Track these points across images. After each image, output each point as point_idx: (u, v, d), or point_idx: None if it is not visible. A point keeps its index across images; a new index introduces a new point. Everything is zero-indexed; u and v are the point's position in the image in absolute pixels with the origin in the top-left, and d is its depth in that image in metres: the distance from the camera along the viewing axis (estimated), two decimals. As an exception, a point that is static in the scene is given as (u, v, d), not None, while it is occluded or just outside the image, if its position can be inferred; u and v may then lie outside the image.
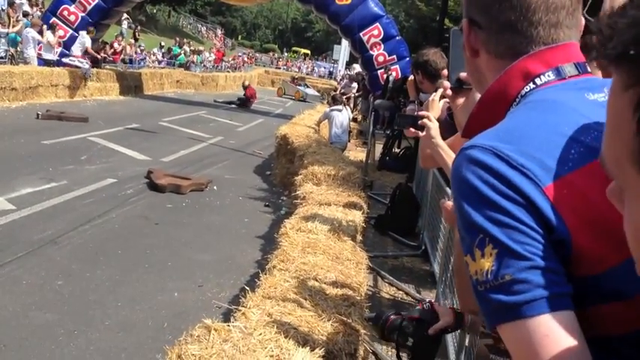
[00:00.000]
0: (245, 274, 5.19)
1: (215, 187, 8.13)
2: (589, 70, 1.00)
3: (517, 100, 0.99)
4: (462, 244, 0.90)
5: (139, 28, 27.47)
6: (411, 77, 4.67)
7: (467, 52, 1.11)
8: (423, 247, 5.93)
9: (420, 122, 2.37)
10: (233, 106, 20.89)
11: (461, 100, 2.10)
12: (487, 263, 0.83)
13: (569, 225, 0.82)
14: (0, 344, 3.48)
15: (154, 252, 5.42)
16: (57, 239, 5.34)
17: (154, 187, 7.55)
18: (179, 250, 5.60)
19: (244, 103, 21.45)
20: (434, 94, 3.25)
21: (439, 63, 4.08)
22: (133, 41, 24.02)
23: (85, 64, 15.79)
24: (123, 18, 28.98)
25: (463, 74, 1.76)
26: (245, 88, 22.20)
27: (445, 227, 4.43)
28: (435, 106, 3.12)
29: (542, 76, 0.97)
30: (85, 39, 16.19)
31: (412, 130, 2.42)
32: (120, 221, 6.18)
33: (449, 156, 2.39)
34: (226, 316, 3.88)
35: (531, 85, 0.98)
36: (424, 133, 2.38)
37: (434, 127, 2.38)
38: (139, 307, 4.25)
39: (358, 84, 19.52)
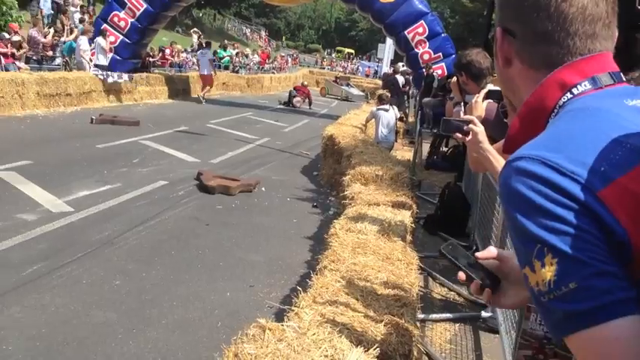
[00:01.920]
0: (295, 274, 5.24)
1: (263, 188, 8.23)
2: (624, 79, 1.00)
3: (555, 110, 0.99)
4: (518, 258, 0.90)
5: (201, 37, 28.03)
6: (454, 79, 4.61)
7: (499, 61, 1.11)
8: (475, 247, 5.86)
9: (465, 128, 2.34)
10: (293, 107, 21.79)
11: None
12: (548, 273, 0.83)
13: (627, 227, 0.82)
14: (63, 342, 3.62)
15: (205, 252, 5.53)
16: (113, 240, 5.51)
17: (203, 188, 7.69)
18: (230, 250, 5.69)
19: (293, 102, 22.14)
20: (477, 95, 3.21)
21: (483, 63, 4.03)
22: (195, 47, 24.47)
23: (125, 77, 16.04)
24: (192, 31, 29.66)
25: None
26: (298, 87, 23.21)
27: (497, 226, 4.38)
28: (479, 107, 3.08)
29: (578, 86, 0.98)
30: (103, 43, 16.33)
31: (458, 135, 2.39)
32: (172, 222, 6.33)
33: (497, 160, 2.35)
34: (278, 316, 3.94)
35: (568, 95, 0.98)
36: (470, 137, 2.36)
37: (480, 132, 2.34)
38: (193, 307, 4.35)
39: (386, 84, 19.37)
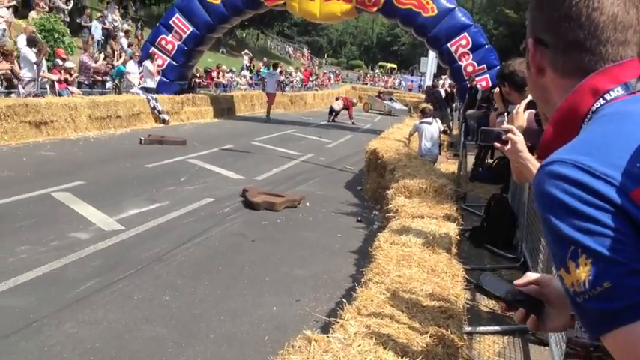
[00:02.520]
0: (341, 288, 5.26)
1: (308, 204, 8.29)
2: None
3: (588, 116, 1.00)
4: (554, 259, 0.91)
5: (253, 58, 28.76)
6: (497, 89, 4.57)
7: (532, 71, 1.13)
8: (522, 259, 5.76)
9: (504, 137, 2.32)
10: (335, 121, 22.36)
11: None
12: (583, 274, 0.84)
13: None
14: (115, 356, 3.72)
15: (252, 268, 5.60)
16: (163, 257, 5.65)
17: (249, 205, 7.80)
18: (276, 265, 5.75)
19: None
20: (518, 105, 3.19)
21: (526, 72, 3.99)
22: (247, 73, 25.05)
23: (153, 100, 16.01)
24: (243, 53, 30.31)
25: None
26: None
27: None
28: (520, 117, 3.06)
29: (611, 92, 0.99)
30: (150, 67, 16.43)
31: (497, 145, 2.38)
32: (219, 239, 6.44)
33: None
34: (324, 329, 3.96)
35: (601, 101, 0.99)
36: (509, 147, 2.34)
37: (519, 141, 2.32)
38: (240, 321, 4.41)
39: (428, 97, 19.25)
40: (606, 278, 0.82)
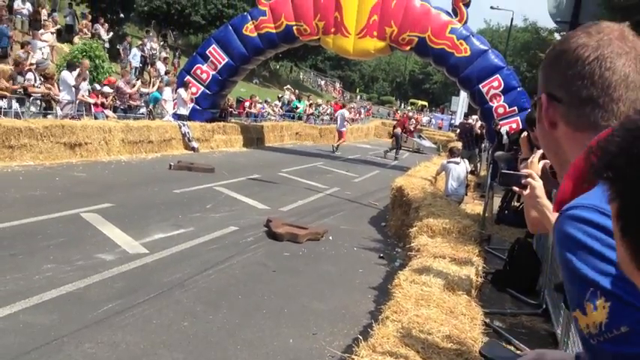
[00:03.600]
0: (358, 324, 5.23)
1: (331, 237, 8.30)
2: None
3: None
4: (570, 300, 0.93)
5: (296, 92, 29.53)
6: (525, 134, 4.58)
7: (545, 125, 1.18)
8: (544, 306, 5.67)
9: (523, 181, 2.31)
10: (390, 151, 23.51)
11: None
12: (600, 316, 0.85)
13: None
14: (131, 378, 3.76)
15: (271, 298, 5.62)
16: (184, 282, 5.71)
17: (272, 235, 7.85)
18: (295, 297, 5.76)
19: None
20: (534, 155, 3.20)
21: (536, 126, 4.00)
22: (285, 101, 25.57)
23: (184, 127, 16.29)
24: (285, 88, 30.91)
25: None
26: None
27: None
28: (535, 167, 3.07)
29: None
30: (184, 95, 16.74)
31: (516, 189, 2.39)
32: (240, 267, 6.48)
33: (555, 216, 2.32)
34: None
35: None
36: (528, 192, 2.35)
37: (538, 187, 2.32)
38: (256, 352, 4.41)
39: (462, 133, 19.23)
40: (624, 322, 0.83)
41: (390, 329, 3.29)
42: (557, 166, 1.23)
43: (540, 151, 3.19)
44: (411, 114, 27.24)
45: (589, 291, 0.87)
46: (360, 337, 3.25)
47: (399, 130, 24.46)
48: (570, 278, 0.92)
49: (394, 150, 23.71)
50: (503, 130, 14.00)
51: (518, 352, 1.43)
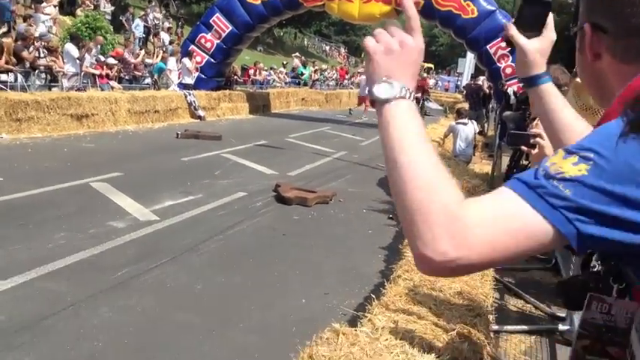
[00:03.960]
0: (369, 283, 5.27)
1: (340, 200, 8.32)
2: None
3: None
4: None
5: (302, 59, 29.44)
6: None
7: (587, 56, 1.12)
8: (554, 261, 5.70)
9: (532, 141, 2.29)
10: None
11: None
12: (573, 170, 0.88)
13: None
14: (148, 341, 3.83)
15: (282, 261, 5.67)
16: (195, 247, 5.76)
17: (281, 199, 7.88)
18: (306, 259, 5.80)
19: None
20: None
21: (560, 79, 3.95)
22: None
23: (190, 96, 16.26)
24: (294, 55, 30.59)
25: None
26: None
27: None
28: (541, 127, 3.05)
29: None
30: (189, 64, 16.74)
31: (524, 148, 2.35)
32: (250, 232, 6.53)
33: None
34: (352, 323, 3.98)
35: None
36: (536, 151, 2.32)
37: (547, 146, 2.29)
38: (269, 312, 4.47)
39: (468, 94, 19.07)
40: (577, 193, 0.86)
41: (402, 287, 3.31)
42: (599, 99, 1.17)
43: None
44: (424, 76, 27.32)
45: (586, 152, 0.88)
46: (373, 296, 3.27)
47: (419, 94, 24.43)
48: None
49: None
50: (510, 90, 13.86)
51: None
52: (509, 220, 0.90)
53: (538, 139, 2.30)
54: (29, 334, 3.70)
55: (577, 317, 4.05)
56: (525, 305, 4.88)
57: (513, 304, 4.88)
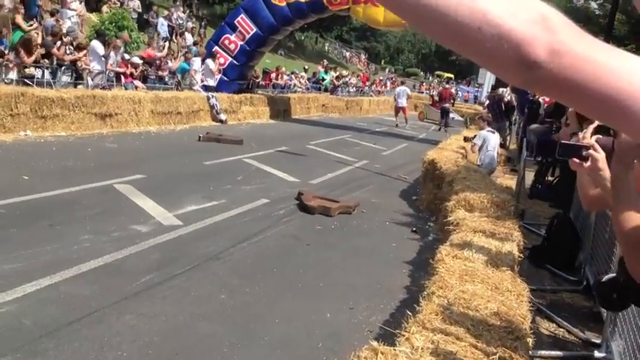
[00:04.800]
0: (395, 299, 5.18)
1: (363, 211, 8.23)
2: None
3: None
4: None
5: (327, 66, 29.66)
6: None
7: None
8: (585, 283, 5.56)
9: (584, 153, 2.17)
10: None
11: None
12: None
13: None
14: (172, 351, 3.76)
15: (306, 272, 5.59)
16: (219, 255, 5.70)
17: (304, 208, 7.80)
18: (330, 271, 5.72)
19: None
20: (585, 129, 3.06)
21: None
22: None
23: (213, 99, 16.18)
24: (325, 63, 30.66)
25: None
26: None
27: (615, 264, 4.12)
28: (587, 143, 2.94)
29: None
30: (212, 66, 16.79)
31: (576, 160, 2.24)
32: (274, 240, 6.46)
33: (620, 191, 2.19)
34: (379, 340, 3.90)
35: None
36: (589, 164, 2.22)
37: (601, 158, 2.16)
38: (294, 325, 4.39)
39: (490, 105, 18.87)
40: None
41: (437, 305, 3.22)
42: None
43: (592, 126, 3.04)
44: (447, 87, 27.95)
45: None
46: (401, 312, 3.18)
47: (447, 104, 25.48)
48: None
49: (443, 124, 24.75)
50: (542, 100, 13.69)
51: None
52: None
53: (591, 152, 2.20)
54: (54, 341, 3.65)
55: (614, 344, 3.93)
56: (558, 329, 4.74)
57: (545, 327, 4.75)
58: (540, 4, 0.73)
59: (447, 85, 31.10)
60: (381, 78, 45.73)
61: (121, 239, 5.69)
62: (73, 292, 4.41)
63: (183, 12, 24.24)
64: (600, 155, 2.21)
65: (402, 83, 28.89)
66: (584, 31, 0.75)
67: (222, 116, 16.07)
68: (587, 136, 2.97)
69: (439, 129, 24.44)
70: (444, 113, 25.05)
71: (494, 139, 9.63)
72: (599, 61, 0.73)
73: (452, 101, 27.58)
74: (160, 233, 6.06)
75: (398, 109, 24.55)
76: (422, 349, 2.57)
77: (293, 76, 25.38)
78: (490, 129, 9.78)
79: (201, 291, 4.78)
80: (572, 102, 0.80)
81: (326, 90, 27.30)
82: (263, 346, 3.99)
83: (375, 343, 2.49)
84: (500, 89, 21.51)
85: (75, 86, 12.90)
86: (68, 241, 5.39)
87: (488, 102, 20.86)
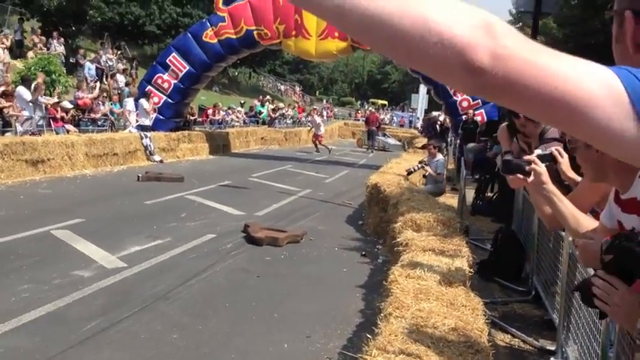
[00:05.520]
0: (351, 323, 5.14)
1: (311, 239, 8.19)
2: None
3: None
4: None
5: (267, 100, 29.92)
6: (502, 126, 4.50)
7: (627, 46, 1.05)
8: (534, 292, 5.68)
9: (527, 168, 2.24)
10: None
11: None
12: None
13: None
14: (126, 397, 3.59)
15: (259, 304, 5.48)
16: (167, 294, 5.52)
17: (251, 240, 7.70)
18: (283, 301, 5.63)
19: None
20: (535, 154, 3.17)
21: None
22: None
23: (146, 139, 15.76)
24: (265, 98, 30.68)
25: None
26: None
27: (562, 272, 4.23)
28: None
29: None
30: (146, 105, 16.38)
31: (520, 176, 2.29)
32: (223, 275, 6.32)
33: (563, 203, 2.24)
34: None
35: None
36: (532, 178, 2.26)
37: (543, 172, 2.24)
38: (251, 359, 4.28)
39: (426, 128, 19.49)
40: None
41: (396, 326, 3.20)
42: None
43: (538, 151, 3.11)
44: (372, 111, 29.31)
45: None
46: (368, 335, 3.14)
47: (373, 127, 27.70)
48: None
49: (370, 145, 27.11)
50: (478, 118, 14.17)
51: None
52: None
53: (534, 166, 2.26)
54: (-4, 398, 3.42)
55: (569, 349, 4.01)
56: (513, 340, 4.81)
57: (501, 338, 4.80)
58: (483, 12, 0.73)
59: (373, 110, 33.36)
60: (316, 107, 46.16)
61: (62, 286, 5.43)
62: (15, 345, 4.15)
63: (113, 54, 23.87)
64: (542, 169, 2.26)
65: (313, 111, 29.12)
66: (528, 38, 0.76)
67: (157, 157, 15.71)
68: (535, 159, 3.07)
69: (367, 149, 26.80)
70: (370, 135, 27.42)
71: (442, 160, 10.04)
72: (544, 65, 0.73)
73: (378, 124, 29.25)
74: (104, 277, 5.83)
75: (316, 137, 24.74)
76: (386, 370, 2.53)
77: (230, 111, 25.33)
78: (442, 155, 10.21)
79: (151, 333, 4.60)
80: (520, 107, 0.81)
81: (264, 123, 27.35)
82: (221, 384, 3.86)
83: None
84: (434, 112, 22.17)
85: (2, 134, 12.41)
86: (5, 293, 5.10)
87: (423, 125, 21.44)
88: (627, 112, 0.77)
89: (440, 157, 10.54)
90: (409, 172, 12.55)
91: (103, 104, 16.64)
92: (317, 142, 24.32)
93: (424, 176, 11.13)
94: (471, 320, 3.44)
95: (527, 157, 2.39)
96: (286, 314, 5.27)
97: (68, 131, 14.01)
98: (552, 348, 4.43)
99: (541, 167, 2.27)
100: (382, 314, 3.55)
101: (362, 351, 2.95)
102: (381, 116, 39.35)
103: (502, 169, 2.42)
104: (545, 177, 2.26)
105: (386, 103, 65.22)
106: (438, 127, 18.42)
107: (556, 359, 4.21)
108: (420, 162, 11.18)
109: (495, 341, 4.71)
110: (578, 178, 2.27)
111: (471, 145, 11.20)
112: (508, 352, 4.57)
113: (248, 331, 4.82)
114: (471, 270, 4.84)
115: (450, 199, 11.15)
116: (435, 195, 9.33)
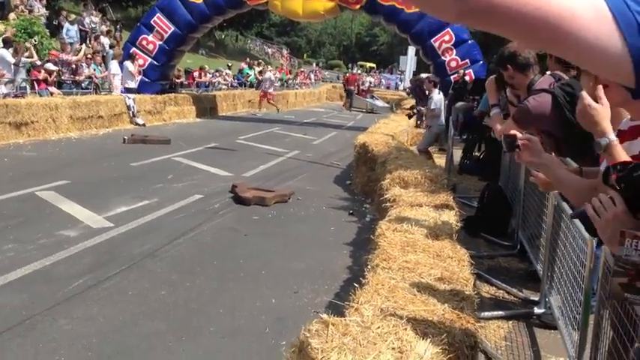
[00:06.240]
0: (338, 279, 5.17)
1: (299, 198, 8.18)
2: None
3: None
4: None
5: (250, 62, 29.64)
6: (490, 79, 4.47)
7: None
8: (519, 247, 5.73)
9: (519, 142, 2.28)
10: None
11: None
12: None
13: None
14: (114, 351, 3.59)
15: (247, 262, 5.49)
16: (155, 253, 5.51)
17: (239, 200, 7.68)
18: (271, 259, 5.64)
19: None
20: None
21: (527, 52, 3.94)
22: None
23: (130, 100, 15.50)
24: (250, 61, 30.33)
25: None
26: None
27: (547, 224, 4.26)
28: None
29: None
30: (131, 67, 16.22)
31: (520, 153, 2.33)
32: (211, 234, 6.31)
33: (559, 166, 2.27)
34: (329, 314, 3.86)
35: None
36: (528, 151, 2.28)
37: (535, 141, 2.29)
38: (239, 314, 4.30)
39: (413, 89, 19.36)
40: None
41: (383, 276, 3.21)
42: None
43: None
44: (359, 75, 29.79)
45: None
46: (355, 285, 3.15)
47: (351, 87, 29.55)
48: None
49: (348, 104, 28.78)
50: (467, 78, 14.10)
51: None
52: None
53: (525, 141, 2.28)
54: (-17, 353, 3.41)
55: (552, 299, 4.06)
56: (497, 291, 4.86)
57: (486, 290, 4.85)
58: None
59: (353, 72, 35.23)
60: (303, 69, 45.77)
61: (48, 246, 5.40)
62: (1, 302, 4.14)
63: (96, 16, 23.34)
64: (534, 138, 2.30)
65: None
66: None
67: (139, 120, 15.45)
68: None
69: (344, 106, 28.71)
70: (349, 94, 29.05)
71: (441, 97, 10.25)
72: None
73: (356, 85, 30.76)
74: (90, 236, 5.80)
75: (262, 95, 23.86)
76: (372, 317, 2.54)
77: (217, 73, 25.01)
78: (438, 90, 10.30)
79: (139, 289, 4.60)
80: (506, 31, 0.82)
81: (251, 86, 27.05)
82: (209, 337, 3.88)
83: (325, 315, 2.44)
84: (422, 74, 21.98)
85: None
86: (-10, 253, 5.07)
87: (410, 87, 21.32)
88: (611, 29, 0.78)
89: (435, 92, 10.49)
90: (410, 116, 12.82)
91: (88, 66, 16.33)
92: (269, 100, 23.75)
93: (421, 117, 11.23)
94: (457, 270, 3.46)
95: (512, 133, 2.40)
96: (274, 271, 5.29)
97: (52, 94, 13.77)
98: (536, 298, 4.48)
99: (531, 140, 2.30)
100: (370, 266, 3.56)
101: (350, 301, 2.95)
102: (368, 78, 39.05)
103: (506, 147, 2.43)
104: (538, 145, 2.29)
105: (374, 65, 64.70)
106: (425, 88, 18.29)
107: (539, 309, 4.26)
108: (411, 107, 11.24)
109: (480, 293, 4.76)
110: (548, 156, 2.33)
111: (459, 103, 11.14)
112: (492, 302, 4.62)
113: (236, 287, 4.83)
114: (458, 223, 4.86)
115: (438, 159, 11.18)
116: (435, 139, 9.60)
